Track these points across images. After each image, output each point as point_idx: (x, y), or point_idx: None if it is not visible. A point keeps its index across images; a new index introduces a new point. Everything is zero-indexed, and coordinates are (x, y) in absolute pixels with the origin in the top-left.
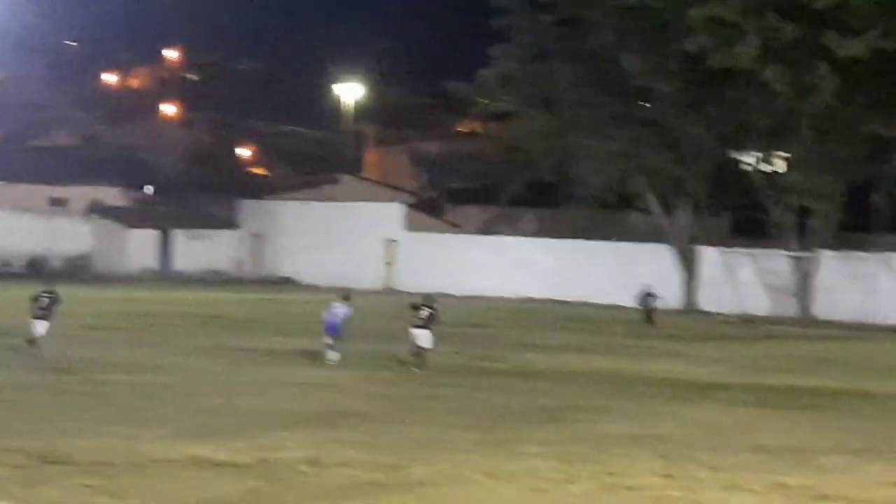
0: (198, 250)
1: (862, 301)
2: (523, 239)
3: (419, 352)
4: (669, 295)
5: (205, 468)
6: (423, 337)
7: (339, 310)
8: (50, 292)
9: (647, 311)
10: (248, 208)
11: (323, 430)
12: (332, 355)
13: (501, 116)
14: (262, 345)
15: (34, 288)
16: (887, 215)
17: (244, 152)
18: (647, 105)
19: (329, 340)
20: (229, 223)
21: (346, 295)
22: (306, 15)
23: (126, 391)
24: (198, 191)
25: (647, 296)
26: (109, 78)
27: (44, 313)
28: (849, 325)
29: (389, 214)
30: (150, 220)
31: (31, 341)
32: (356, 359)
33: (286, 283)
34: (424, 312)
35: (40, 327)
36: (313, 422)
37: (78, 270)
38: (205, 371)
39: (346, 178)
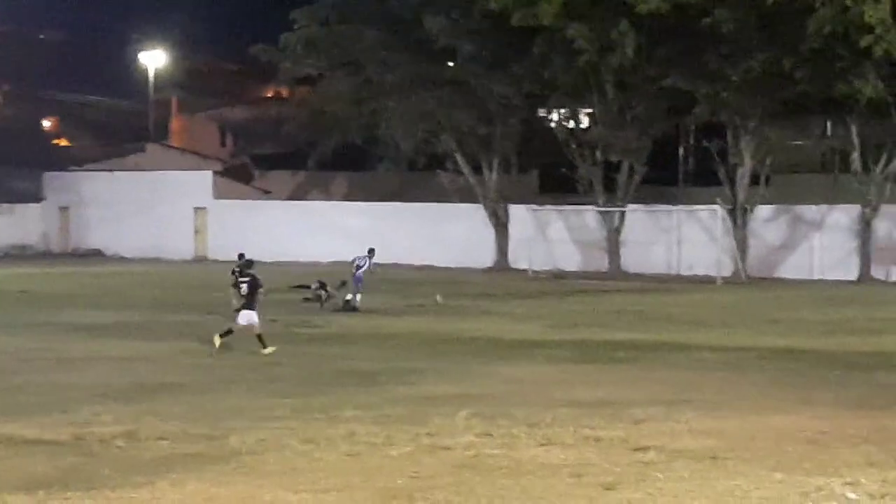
0: (2, 225)
1: (669, 253)
2: (333, 203)
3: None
4: (481, 254)
5: (18, 446)
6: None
7: (363, 263)
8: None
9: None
10: (53, 181)
11: (139, 404)
12: (356, 301)
13: (308, 80)
14: (74, 319)
15: None
16: (691, 168)
17: (47, 124)
18: (453, 65)
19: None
20: (34, 196)
21: (371, 249)
22: None
23: None
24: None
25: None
26: None
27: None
28: (657, 278)
29: (198, 182)
30: None
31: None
32: (170, 330)
33: (95, 255)
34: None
35: (243, 318)
36: (129, 395)
37: None
38: (15, 347)
39: (153, 147)
